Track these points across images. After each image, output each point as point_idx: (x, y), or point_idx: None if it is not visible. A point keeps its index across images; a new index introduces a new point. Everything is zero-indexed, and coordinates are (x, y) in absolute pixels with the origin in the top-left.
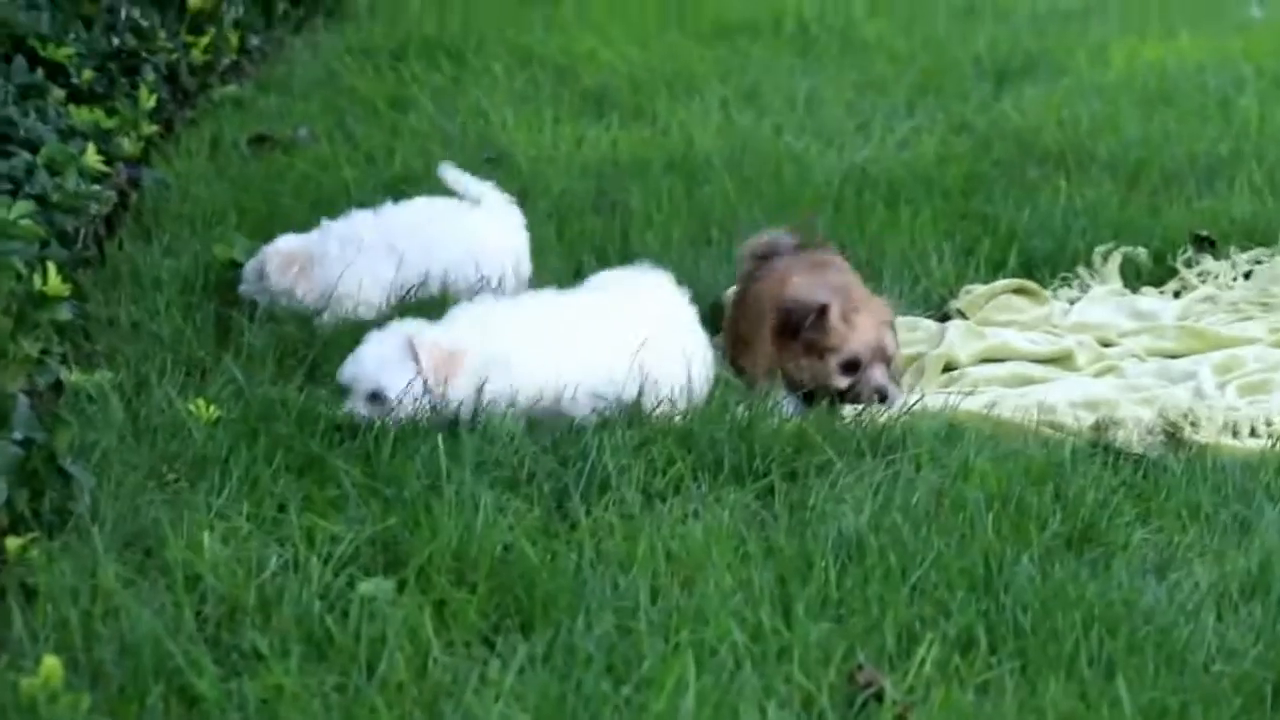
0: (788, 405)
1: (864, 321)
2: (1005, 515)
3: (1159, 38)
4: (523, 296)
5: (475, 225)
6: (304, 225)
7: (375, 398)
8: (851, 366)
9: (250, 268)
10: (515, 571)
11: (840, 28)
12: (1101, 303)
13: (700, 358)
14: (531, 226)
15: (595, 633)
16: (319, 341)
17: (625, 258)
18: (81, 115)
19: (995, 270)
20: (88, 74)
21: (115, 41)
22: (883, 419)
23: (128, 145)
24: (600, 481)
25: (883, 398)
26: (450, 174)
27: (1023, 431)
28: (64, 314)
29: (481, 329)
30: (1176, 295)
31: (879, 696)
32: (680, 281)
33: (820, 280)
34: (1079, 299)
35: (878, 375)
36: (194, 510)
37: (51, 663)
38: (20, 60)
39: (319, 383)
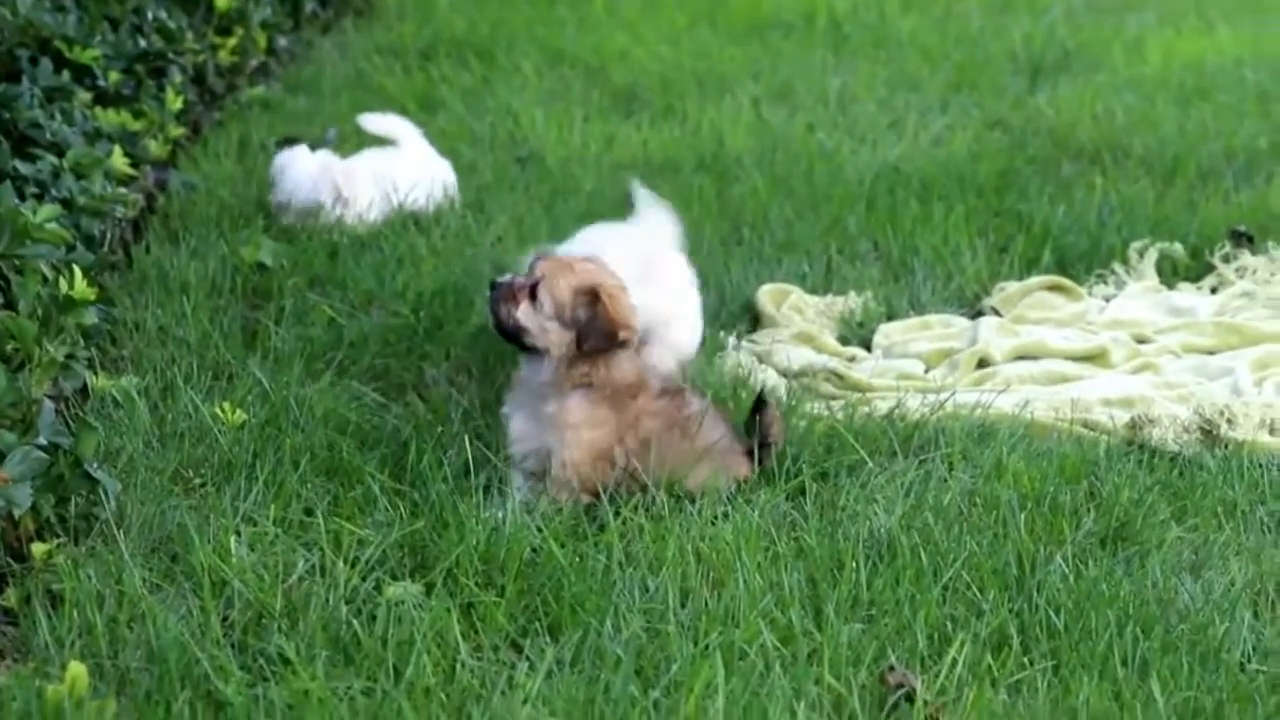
0: None
1: None
2: (1038, 514)
3: (1196, 32)
4: None
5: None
6: None
7: None
8: None
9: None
10: (543, 574)
11: (873, 24)
12: (1137, 299)
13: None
14: (562, 226)
15: (624, 635)
16: (345, 343)
17: None
18: (108, 118)
19: (1029, 268)
20: (114, 76)
21: (142, 43)
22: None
23: (155, 148)
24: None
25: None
26: (370, 122)
27: (1056, 430)
28: (90, 318)
29: None
30: (1214, 291)
31: (910, 698)
32: (710, 281)
33: None
34: (1115, 296)
35: None
36: (220, 515)
37: (77, 669)
38: (46, 62)
39: (346, 384)
